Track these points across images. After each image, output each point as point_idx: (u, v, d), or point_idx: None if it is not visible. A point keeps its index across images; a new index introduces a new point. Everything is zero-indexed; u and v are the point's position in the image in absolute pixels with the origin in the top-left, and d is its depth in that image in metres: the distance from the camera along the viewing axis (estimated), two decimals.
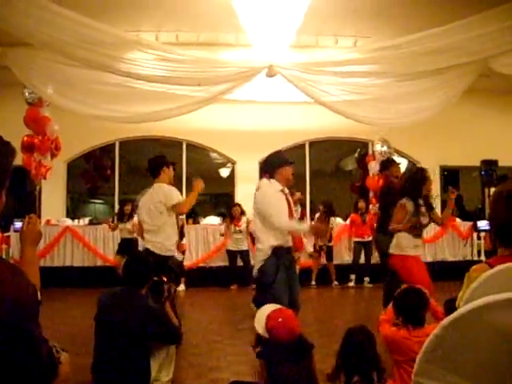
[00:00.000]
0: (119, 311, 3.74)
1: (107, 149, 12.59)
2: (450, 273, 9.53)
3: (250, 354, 5.09)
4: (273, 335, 3.38)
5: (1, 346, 1.26)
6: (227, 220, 10.53)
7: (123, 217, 9.77)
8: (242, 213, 10.32)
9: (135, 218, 9.11)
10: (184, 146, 12.69)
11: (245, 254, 10.18)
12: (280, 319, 3.43)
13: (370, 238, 9.90)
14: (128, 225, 9.57)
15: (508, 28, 6.97)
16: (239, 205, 10.52)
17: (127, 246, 9.31)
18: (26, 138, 9.55)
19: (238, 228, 10.21)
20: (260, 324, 3.45)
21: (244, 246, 10.23)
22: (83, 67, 8.01)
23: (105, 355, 3.71)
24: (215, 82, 8.09)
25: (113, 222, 9.98)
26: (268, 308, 3.55)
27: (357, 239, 10.40)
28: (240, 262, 10.28)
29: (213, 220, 11.48)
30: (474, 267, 2.28)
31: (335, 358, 3.30)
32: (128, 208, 9.68)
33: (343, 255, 10.80)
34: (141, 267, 3.97)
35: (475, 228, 9.77)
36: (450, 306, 3.29)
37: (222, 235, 10.40)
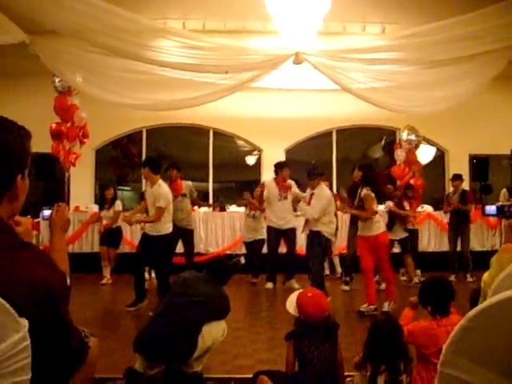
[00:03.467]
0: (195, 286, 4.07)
1: (134, 136, 12.69)
2: (478, 262, 9.45)
3: (274, 341, 5.16)
4: (302, 311, 3.48)
5: (32, 333, 1.28)
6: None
7: (104, 203, 9.36)
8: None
9: (117, 205, 9.20)
10: (211, 134, 12.73)
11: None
12: (310, 294, 3.55)
13: None
14: (111, 211, 9.19)
15: None
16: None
17: (113, 236, 9.19)
18: (54, 126, 9.68)
19: (252, 212, 9.41)
20: (291, 303, 3.56)
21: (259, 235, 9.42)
22: (110, 55, 8.08)
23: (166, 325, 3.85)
24: (242, 70, 8.10)
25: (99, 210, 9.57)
26: (299, 291, 3.68)
27: None
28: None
29: (239, 208, 11.48)
30: (504, 247, 2.26)
31: (361, 346, 3.33)
32: (110, 192, 9.27)
33: None
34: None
35: (483, 212, 9.65)
36: (476, 296, 3.27)
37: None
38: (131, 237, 9.99)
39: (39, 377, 1.32)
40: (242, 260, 8.93)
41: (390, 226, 8.77)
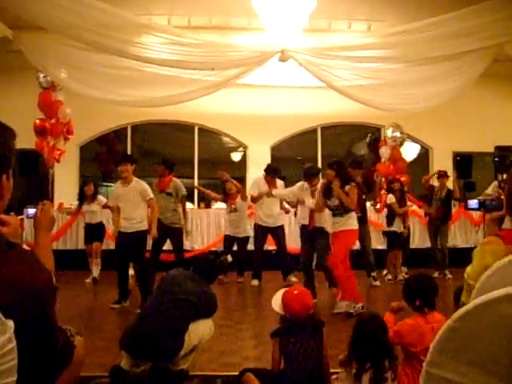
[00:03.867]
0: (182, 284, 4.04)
1: (120, 132, 12.63)
2: (461, 259, 9.51)
3: (260, 338, 5.17)
4: (288, 308, 3.49)
5: (18, 334, 1.27)
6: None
7: (84, 199, 9.03)
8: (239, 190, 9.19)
9: (100, 199, 9.04)
10: (196, 131, 12.70)
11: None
12: (296, 292, 3.57)
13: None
14: (94, 207, 8.96)
15: None
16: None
17: (97, 231, 9.10)
18: (38, 122, 9.61)
19: (233, 206, 9.18)
20: (277, 301, 3.57)
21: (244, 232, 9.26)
22: (95, 51, 8.02)
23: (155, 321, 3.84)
24: (228, 67, 8.08)
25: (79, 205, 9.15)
26: (285, 289, 3.69)
27: None
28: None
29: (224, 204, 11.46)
30: (486, 239, 2.28)
31: (347, 344, 3.34)
32: (90, 188, 8.97)
33: None
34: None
35: (465, 207, 9.72)
36: (460, 293, 3.30)
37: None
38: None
39: (25, 378, 1.31)
40: (229, 258, 8.94)
41: (391, 221, 9.07)
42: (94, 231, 9.07)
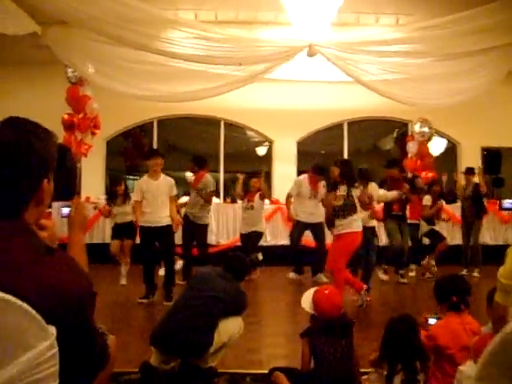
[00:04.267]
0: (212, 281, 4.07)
1: (146, 127, 12.68)
2: (491, 257, 9.38)
3: (286, 335, 5.16)
4: (318, 308, 3.48)
5: (59, 339, 1.28)
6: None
7: (115, 199, 8.46)
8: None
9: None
10: (222, 125, 12.69)
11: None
12: (326, 291, 3.54)
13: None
14: (126, 207, 8.32)
15: None
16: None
17: (128, 230, 8.34)
18: (66, 117, 9.69)
19: (250, 203, 9.12)
20: (306, 300, 3.55)
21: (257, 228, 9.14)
22: (120, 45, 8.04)
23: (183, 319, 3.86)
24: (255, 62, 8.04)
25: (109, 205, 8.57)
26: (315, 288, 3.67)
27: None
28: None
29: None
30: None
31: (373, 342, 3.32)
32: (121, 188, 8.43)
33: None
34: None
35: (500, 207, 9.54)
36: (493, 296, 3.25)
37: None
38: None
39: (64, 382, 1.31)
40: (260, 256, 8.95)
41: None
42: (124, 230, 8.47)
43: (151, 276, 7.15)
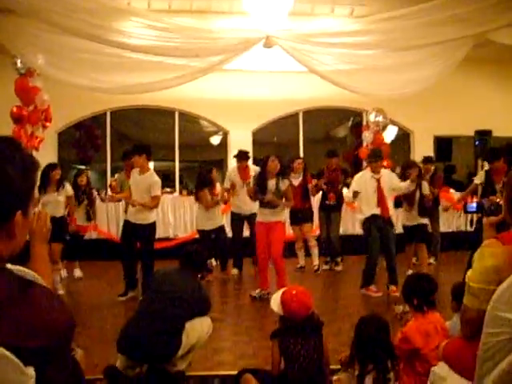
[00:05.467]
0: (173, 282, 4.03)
1: (99, 118, 12.40)
2: (445, 244, 9.60)
3: (254, 333, 5.13)
4: (286, 309, 3.45)
5: (40, 376, 1.21)
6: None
7: (48, 185, 7.47)
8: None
9: (69, 189, 7.85)
10: (176, 115, 12.53)
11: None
12: (294, 291, 3.52)
13: None
14: (59, 197, 7.49)
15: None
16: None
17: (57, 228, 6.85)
18: (15, 109, 9.34)
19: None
20: (275, 301, 3.53)
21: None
22: (73, 36, 7.77)
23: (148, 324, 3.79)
24: (213, 53, 7.93)
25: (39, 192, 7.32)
26: (283, 289, 3.65)
27: None
28: None
29: None
30: (486, 243, 2.28)
31: (337, 336, 3.32)
32: (57, 172, 7.56)
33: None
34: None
35: (465, 210, 9.57)
36: (459, 291, 3.29)
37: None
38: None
39: None
40: (213, 262, 8.79)
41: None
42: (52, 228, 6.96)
43: (131, 272, 7.02)
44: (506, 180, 2.41)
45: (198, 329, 3.90)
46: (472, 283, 2.30)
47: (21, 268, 1.56)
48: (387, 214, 7.12)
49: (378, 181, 7.17)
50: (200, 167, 13.12)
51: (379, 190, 7.13)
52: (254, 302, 6.59)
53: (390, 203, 7.36)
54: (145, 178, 7.00)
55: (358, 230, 8.87)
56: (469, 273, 2.36)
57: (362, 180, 7.30)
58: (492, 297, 2.07)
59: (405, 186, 7.29)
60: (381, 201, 7.10)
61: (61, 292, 7.10)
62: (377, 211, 7.08)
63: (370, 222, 7.11)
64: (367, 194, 7.17)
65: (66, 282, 8.04)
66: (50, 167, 7.55)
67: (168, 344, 3.70)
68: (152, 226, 7.07)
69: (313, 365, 3.38)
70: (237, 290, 7.89)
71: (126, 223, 7.18)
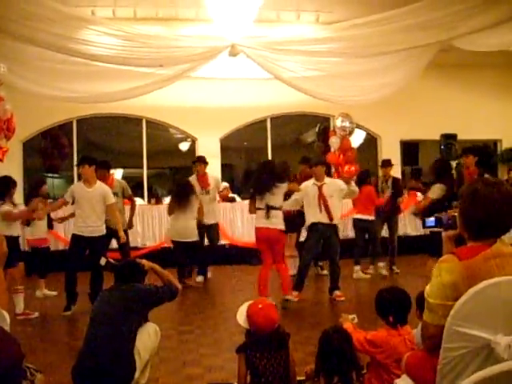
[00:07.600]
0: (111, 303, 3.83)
1: (65, 126, 12.23)
2: (414, 247, 9.68)
3: (222, 344, 5.09)
4: (252, 322, 3.42)
5: None
6: None
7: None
8: None
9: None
10: (144, 123, 12.44)
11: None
12: (260, 305, 3.49)
13: None
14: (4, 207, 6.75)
15: (473, 7, 6.98)
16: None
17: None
18: None
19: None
20: (241, 314, 3.49)
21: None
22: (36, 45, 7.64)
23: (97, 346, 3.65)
24: (178, 63, 7.90)
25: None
26: (249, 302, 3.61)
27: None
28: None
29: None
30: (443, 258, 2.31)
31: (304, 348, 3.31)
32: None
33: None
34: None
35: (423, 225, 9.53)
36: (423, 300, 3.31)
37: None
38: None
39: None
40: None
41: None
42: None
43: (73, 285, 6.81)
44: (459, 196, 2.43)
45: (147, 343, 3.76)
46: (430, 299, 2.31)
47: None
48: (331, 220, 7.17)
49: (320, 187, 7.21)
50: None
51: (321, 197, 7.17)
52: (223, 313, 6.55)
53: (337, 209, 7.39)
54: (95, 190, 6.85)
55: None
56: (427, 289, 2.37)
57: (305, 187, 7.38)
58: (450, 312, 2.09)
59: (352, 188, 7.76)
60: (324, 207, 7.16)
61: (36, 314, 6.70)
62: (321, 218, 7.16)
63: (310, 230, 7.28)
64: (309, 200, 7.25)
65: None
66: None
67: (124, 370, 3.56)
68: (105, 238, 7.07)
69: (279, 379, 3.37)
70: (204, 299, 7.79)
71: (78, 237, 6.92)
